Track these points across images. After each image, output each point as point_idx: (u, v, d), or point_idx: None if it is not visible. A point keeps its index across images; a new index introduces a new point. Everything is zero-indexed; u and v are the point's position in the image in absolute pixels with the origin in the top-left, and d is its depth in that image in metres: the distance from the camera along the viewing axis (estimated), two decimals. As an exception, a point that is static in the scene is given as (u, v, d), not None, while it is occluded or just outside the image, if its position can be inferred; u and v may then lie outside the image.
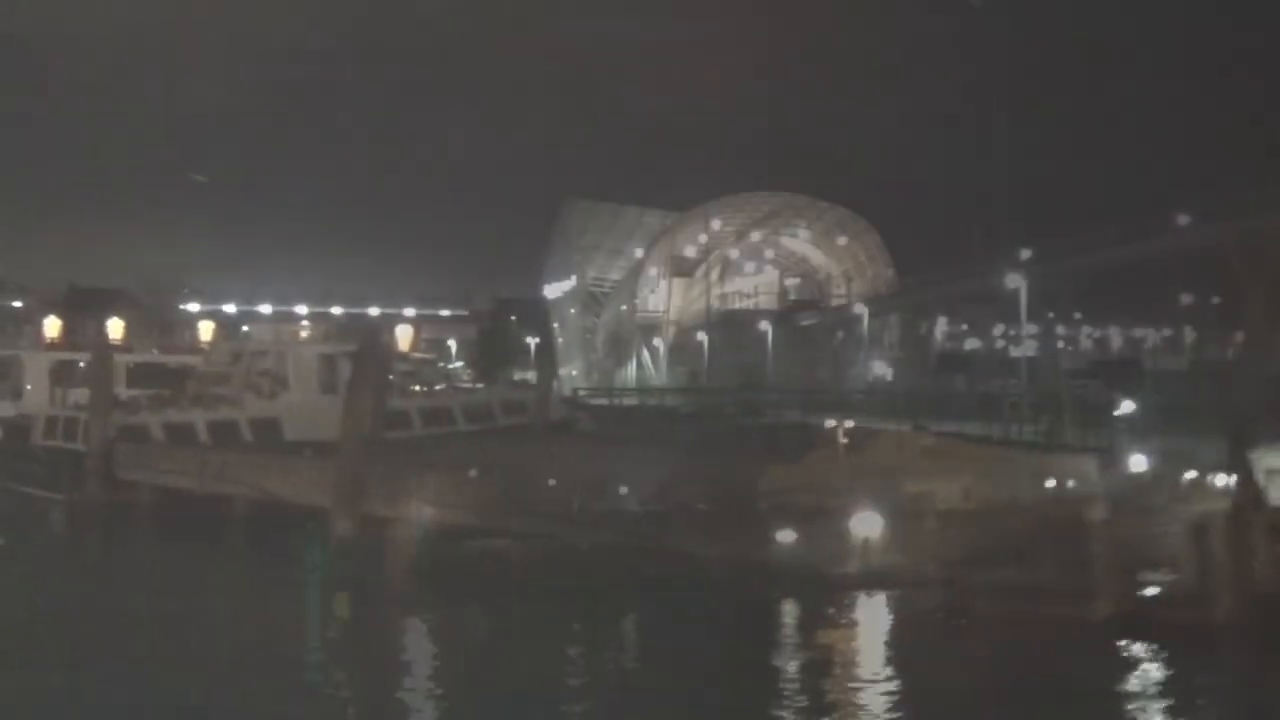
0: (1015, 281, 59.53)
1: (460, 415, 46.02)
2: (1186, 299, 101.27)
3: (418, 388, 53.25)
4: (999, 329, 78.75)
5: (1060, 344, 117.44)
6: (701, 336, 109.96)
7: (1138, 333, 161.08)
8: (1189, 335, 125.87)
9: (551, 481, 25.59)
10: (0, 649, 20.38)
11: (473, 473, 27.92)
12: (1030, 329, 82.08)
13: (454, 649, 20.62)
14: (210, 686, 18.22)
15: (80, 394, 42.67)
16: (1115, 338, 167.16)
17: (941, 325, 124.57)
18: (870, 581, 21.43)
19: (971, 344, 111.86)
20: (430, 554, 25.73)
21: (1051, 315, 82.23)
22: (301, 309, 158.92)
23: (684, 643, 19.84)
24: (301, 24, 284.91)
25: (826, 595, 21.28)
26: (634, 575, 22.23)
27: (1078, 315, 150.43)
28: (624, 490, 23.80)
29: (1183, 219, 73.03)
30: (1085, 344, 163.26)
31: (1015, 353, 69.49)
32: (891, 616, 21.05)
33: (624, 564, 22.41)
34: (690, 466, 29.75)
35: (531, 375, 71.15)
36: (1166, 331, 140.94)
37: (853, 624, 20.53)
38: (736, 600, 21.00)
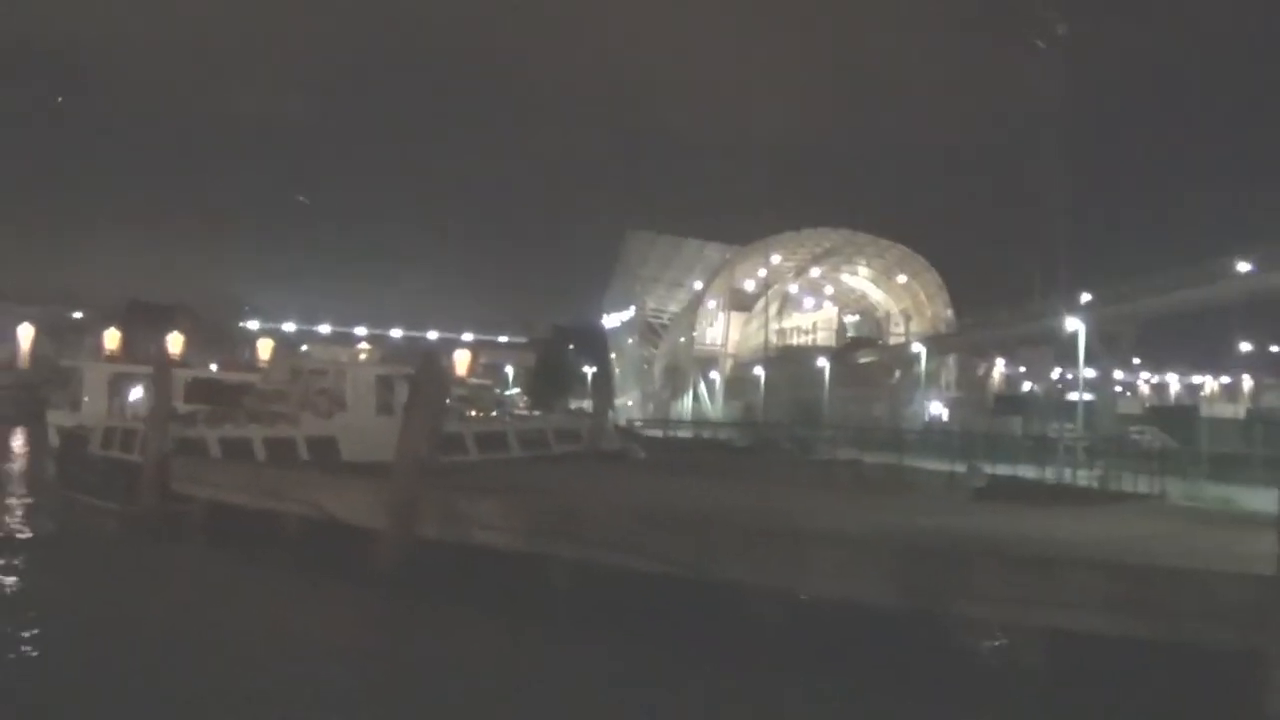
0: (1074, 325, 59.38)
1: (515, 442, 46.20)
2: (1245, 346, 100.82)
3: (474, 413, 53.53)
4: (1057, 372, 78.57)
5: (1118, 389, 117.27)
6: (758, 371, 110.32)
7: (1196, 379, 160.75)
8: (1247, 383, 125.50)
9: (601, 509, 25.59)
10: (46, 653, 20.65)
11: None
12: (1088, 373, 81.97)
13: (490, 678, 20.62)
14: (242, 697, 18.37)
15: (138, 406, 43.04)
16: (1173, 384, 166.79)
17: (999, 367, 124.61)
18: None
19: (1029, 386, 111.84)
20: (478, 577, 25.92)
21: (1109, 360, 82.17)
22: (360, 330, 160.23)
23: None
24: (367, 48, 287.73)
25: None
26: (677, 607, 22.27)
27: (1136, 360, 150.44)
28: (671, 520, 23.80)
29: (1242, 265, 72.80)
30: (1143, 389, 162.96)
31: (1073, 397, 69.22)
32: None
33: (668, 594, 22.43)
34: (738, 499, 29.84)
35: (588, 404, 71.24)
36: (1225, 378, 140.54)
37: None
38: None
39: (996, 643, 19.27)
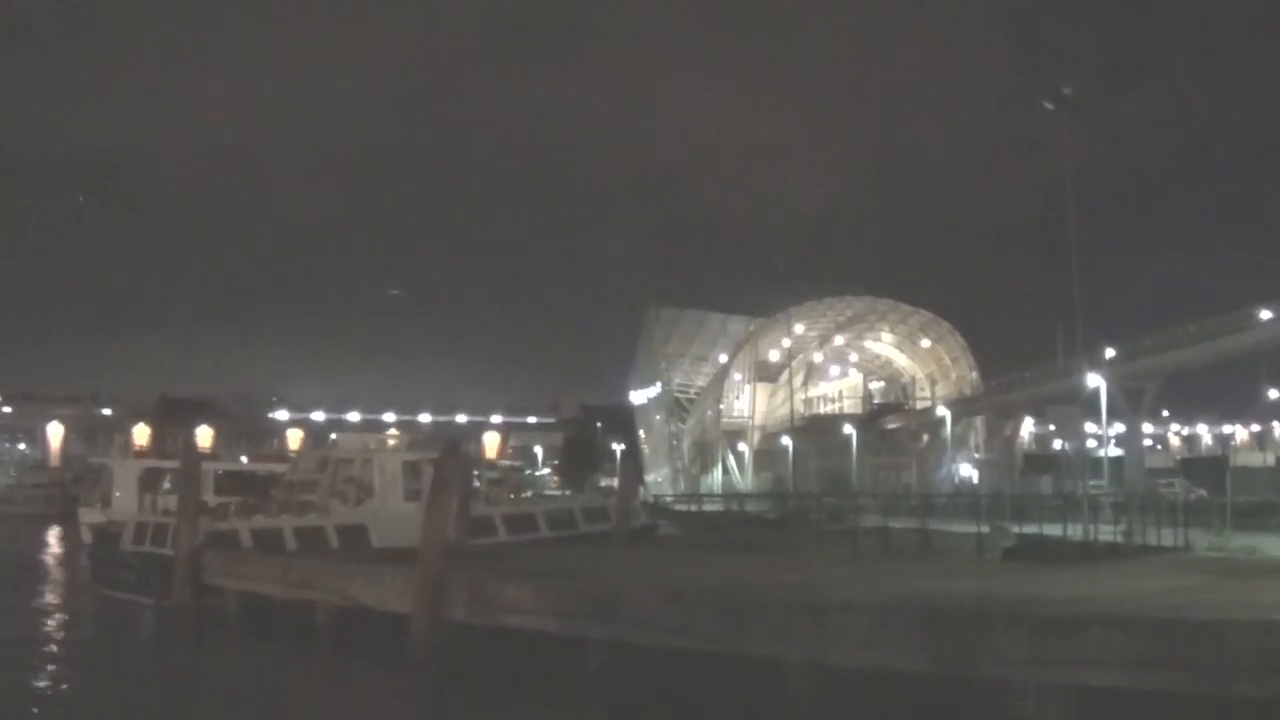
0: (1096, 381, 59.44)
1: (543, 522, 46.35)
2: (1274, 393, 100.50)
3: (510, 495, 53.84)
4: (1087, 429, 78.45)
5: (1148, 443, 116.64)
6: (786, 441, 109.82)
7: (1226, 429, 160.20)
8: (1278, 430, 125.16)
9: (630, 589, 25.73)
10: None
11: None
12: (1118, 428, 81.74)
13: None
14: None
15: (168, 500, 43.35)
16: (1204, 435, 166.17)
17: (1029, 426, 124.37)
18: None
19: (1059, 444, 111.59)
20: (510, 660, 26.10)
21: (1134, 414, 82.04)
22: (389, 416, 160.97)
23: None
24: (389, 137, 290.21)
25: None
26: (710, 684, 22.43)
27: (1165, 413, 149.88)
28: (700, 598, 23.94)
29: (1265, 313, 72.83)
30: (1174, 442, 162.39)
31: (1102, 453, 69.15)
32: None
33: (700, 671, 22.57)
34: (767, 573, 29.98)
35: (617, 482, 71.41)
36: (1255, 426, 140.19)
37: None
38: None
39: (1023, 704, 19.36)
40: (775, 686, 21.23)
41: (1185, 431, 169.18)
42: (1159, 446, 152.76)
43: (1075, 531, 40.13)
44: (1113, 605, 19.85)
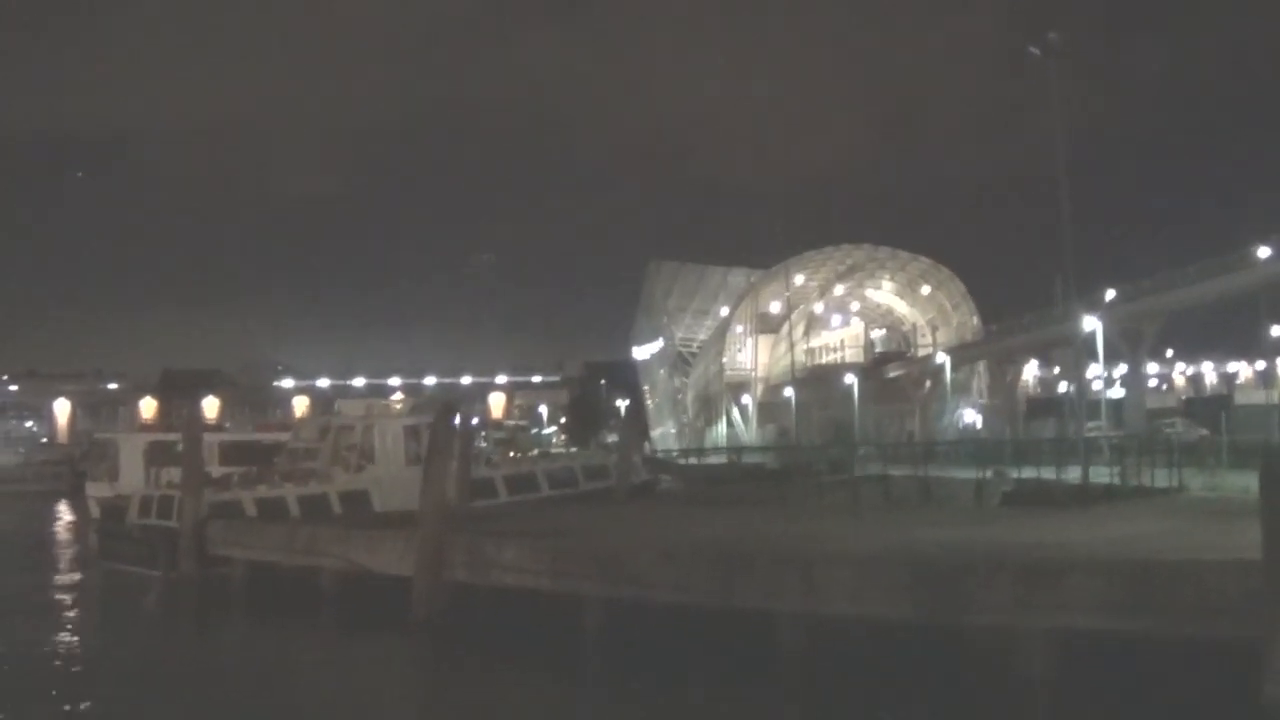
0: (1091, 325, 59.56)
1: (544, 481, 46.52)
2: (1277, 330, 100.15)
3: (513, 454, 53.91)
4: (1090, 371, 78.59)
5: (1154, 383, 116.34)
6: (789, 393, 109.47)
7: (1231, 367, 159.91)
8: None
9: (627, 544, 26.01)
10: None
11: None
12: (1122, 369, 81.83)
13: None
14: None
15: (174, 473, 43.57)
16: (1209, 374, 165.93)
17: (1033, 369, 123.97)
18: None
19: (1064, 387, 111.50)
20: (509, 619, 26.41)
21: (1134, 356, 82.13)
22: (394, 380, 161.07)
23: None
24: (391, 105, 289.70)
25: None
26: (705, 637, 22.71)
27: (1170, 353, 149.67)
28: (694, 552, 24.20)
29: (1263, 251, 72.92)
30: (1179, 381, 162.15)
31: (1107, 394, 69.34)
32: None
33: (696, 625, 22.84)
34: (766, 525, 30.26)
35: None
36: (1259, 365, 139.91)
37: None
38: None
39: (1009, 649, 19.58)
40: (768, 639, 21.46)
41: (1190, 371, 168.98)
42: (1164, 386, 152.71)
43: (1074, 474, 40.24)
44: (1096, 549, 20.11)
